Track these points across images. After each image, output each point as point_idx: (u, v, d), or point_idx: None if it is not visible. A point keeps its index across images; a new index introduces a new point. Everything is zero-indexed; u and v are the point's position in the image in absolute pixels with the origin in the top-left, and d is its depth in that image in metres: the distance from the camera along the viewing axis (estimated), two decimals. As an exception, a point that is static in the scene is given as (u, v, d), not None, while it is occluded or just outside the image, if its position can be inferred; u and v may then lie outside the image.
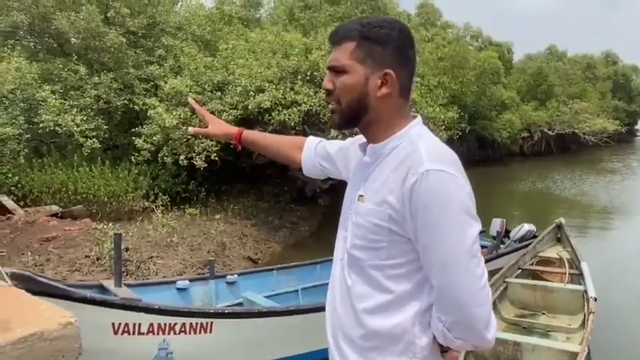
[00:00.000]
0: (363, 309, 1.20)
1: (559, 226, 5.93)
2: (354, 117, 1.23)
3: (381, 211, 1.15)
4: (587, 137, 25.68)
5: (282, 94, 8.71)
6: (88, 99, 9.22)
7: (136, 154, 8.87)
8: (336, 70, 1.21)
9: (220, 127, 1.72)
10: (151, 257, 6.46)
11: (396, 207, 1.13)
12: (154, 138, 8.77)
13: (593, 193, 15.41)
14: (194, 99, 1.91)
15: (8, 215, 7.21)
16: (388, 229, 1.14)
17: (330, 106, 1.26)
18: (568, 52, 38.04)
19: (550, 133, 25.76)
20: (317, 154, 1.61)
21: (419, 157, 1.12)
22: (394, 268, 1.17)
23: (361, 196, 1.21)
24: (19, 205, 7.72)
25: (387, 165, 1.19)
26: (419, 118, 1.26)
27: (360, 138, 1.35)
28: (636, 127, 50.34)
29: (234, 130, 1.70)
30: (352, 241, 1.22)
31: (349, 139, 1.53)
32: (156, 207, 8.53)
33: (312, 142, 1.65)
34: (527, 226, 6.43)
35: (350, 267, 1.23)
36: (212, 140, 8.60)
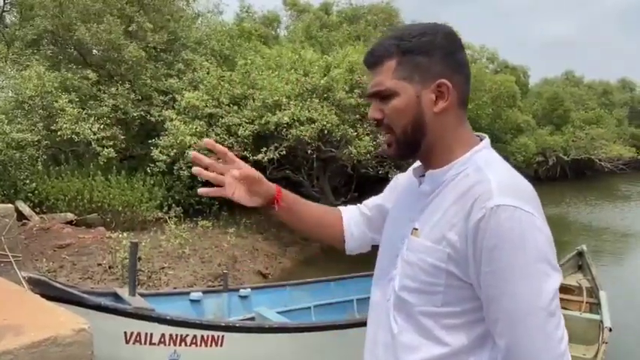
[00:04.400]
0: None
1: (580, 254, 5.80)
2: (411, 143, 1.05)
3: (439, 250, 0.98)
4: (602, 163, 25.37)
5: (299, 111, 8.78)
6: (105, 108, 9.33)
7: (152, 165, 8.94)
8: (382, 96, 1.05)
9: (259, 178, 1.19)
10: (163, 268, 6.46)
11: (456, 246, 0.96)
12: (170, 150, 8.84)
13: (609, 219, 15.13)
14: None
15: (24, 221, 7.28)
16: (446, 271, 0.97)
17: (383, 139, 1.09)
18: (584, 78, 37.77)
19: (565, 158, 25.46)
20: (366, 223, 1.32)
21: (487, 189, 0.94)
22: (451, 317, 0.98)
23: (415, 229, 1.04)
24: (34, 211, 7.80)
25: (449, 195, 1.01)
26: (486, 141, 1.08)
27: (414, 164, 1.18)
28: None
29: (272, 185, 1.23)
30: (402, 281, 1.03)
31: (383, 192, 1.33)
32: (169, 218, 8.54)
33: (351, 210, 1.35)
34: (546, 252, 6.29)
35: (398, 312, 1.04)
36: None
